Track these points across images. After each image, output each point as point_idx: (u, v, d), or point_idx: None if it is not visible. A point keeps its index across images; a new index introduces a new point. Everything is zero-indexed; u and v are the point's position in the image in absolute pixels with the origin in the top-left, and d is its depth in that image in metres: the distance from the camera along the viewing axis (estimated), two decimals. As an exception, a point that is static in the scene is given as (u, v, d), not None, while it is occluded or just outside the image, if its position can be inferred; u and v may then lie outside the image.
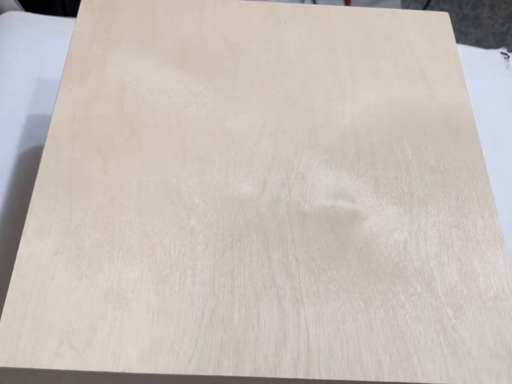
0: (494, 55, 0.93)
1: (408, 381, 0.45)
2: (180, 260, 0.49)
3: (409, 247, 0.52)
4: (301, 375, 0.45)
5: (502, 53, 0.93)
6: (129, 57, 0.62)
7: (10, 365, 0.44)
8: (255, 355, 0.45)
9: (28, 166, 0.75)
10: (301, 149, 0.57)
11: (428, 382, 0.45)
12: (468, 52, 0.92)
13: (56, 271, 0.48)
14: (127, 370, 0.44)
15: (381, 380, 0.45)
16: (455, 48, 0.66)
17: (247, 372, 0.45)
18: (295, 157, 0.56)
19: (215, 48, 0.64)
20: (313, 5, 0.69)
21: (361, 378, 0.45)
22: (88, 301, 0.47)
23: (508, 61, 0.92)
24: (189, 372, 0.44)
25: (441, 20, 0.69)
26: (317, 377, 0.45)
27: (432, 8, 1.65)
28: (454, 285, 0.50)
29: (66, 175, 0.53)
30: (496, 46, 1.02)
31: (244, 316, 0.47)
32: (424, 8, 1.65)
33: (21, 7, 0.97)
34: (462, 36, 1.61)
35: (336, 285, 0.49)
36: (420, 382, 0.45)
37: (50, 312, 0.46)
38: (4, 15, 0.90)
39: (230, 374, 0.45)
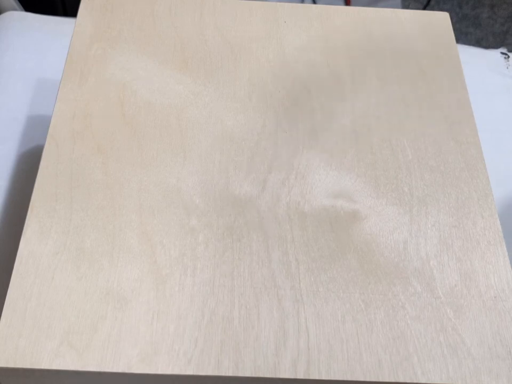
0: (494, 55, 0.93)
1: (408, 381, 0.45)
2: (179, 260, 0.49)
3: (409, 247, 0.52)
4: (301, 375, 0.45)
5: (502, 53, 0.93)
6: (129, 57, 0.62)
7: (10, 365, 0.44)
8: (255, 355, 0.45)
9: (28, 166, 0.75)
10: (301, 149, 0.57)
11: (427, 382, 0.45)
12: (468, 52, 0.92)
13: (56, 271, 0.48)
14: (127, 370, 0.44)
15: (381, 380, 0.45)
16: (455, 48, 0.66)
17: (247, 372, 0.45)
18: (295, 157, 0.56)
19: (215, 48, 0.64)
20: (313, 5, 0.69)
21: (361, 378, 0.45)
22: (88, 301, 0.47)
23: (508, 61, 0.92)
24: (189, 372, 0.44)
25: (441, 20, 0.69)
26: (317, 377, 0.45)
27: (432, 8, 1.65)
28: (454, 285, 0.50)
29: (66, 175, 0.53)
30: (496, 46, 1.02)
31: (244, 315, 0.47)
32: (424, 8, 1.65)
33: (21, 7, 0.96)
34: (462, 36, 1.61)
35: (336, 285, 0.49)
36: (419, 382, 0.45)
37: (50, 312, 0.46)
38: (3, 15, 0.90)
39: (230, 374, 0.45)
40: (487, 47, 1.09)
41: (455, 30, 0.74)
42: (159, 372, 0.44)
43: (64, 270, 0.48)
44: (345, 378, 0.45)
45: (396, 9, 0.69)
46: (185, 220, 0.51)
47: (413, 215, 0.53)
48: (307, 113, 0.59)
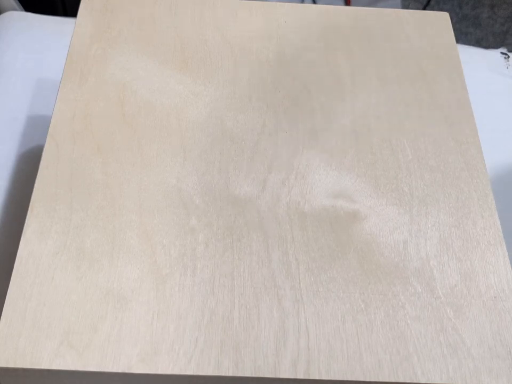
0: (494, 55, 0.93)
1: (408, 381, 0.45)
2: (179, 259, 0.49)
3: (409, 247, 0.52)
4: (301, 375, 0.45)
5: (502, 53, 0.93)
6: (129, 57, 0.62)
7: (10, 365, 0.44)
8: (255, 355, 0.45)
9: (28, 166, 0.75)
10: (301, 149, 0.57)
11: (427, 382, 0.45)
12: (468, 51, 0.92)
13: (56, 271, 0.48)
14: (127, 370, 0.44)
15: (381, 380, 0.45)
16: (455, 48, 0.66)
17: (247, 372, 0.45)
18: (295, 157, 0.56)
19: (215, 48, 0.64)
20: (313, 5, 0.69)
21: (361, 378, 0.45)
22: (88, 301, 0.47)
23: (508, 61, 0.92)
24: (189, 372, 0.44)
25: (441, 20, 0.69)
26: (317, 377, 0.45)
27: (432, 8, 1.65)
28: (454, 285, 0.50)
29: (66, 175, 0.53)
30: (496, 46, 1.02)
31: (244, 315, 0.47)
32: (424, 8, 1.65)
33: (21, 7, 0.96)
34: (462, 36, 1.61)
35: (336, 285, 0.49)
36: (419, 382, 0.45)
37: (50, 312, 0.46)
38: (3, 15, 0.90)
39: (230, 374, 0.45)
40: (487, 47, 1.09)
41: (455, 30, 0.74)
42: (159, 372, 0.44)
43: (64, 270, 0.48)
44: (345, 378, 0.45)
45: (396, 9, 0.69)
46: (185, 220, 0.51)
47: (413, 215, 0.53)
48: (307, 113, 0.59)
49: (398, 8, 1.51)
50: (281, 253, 0.50)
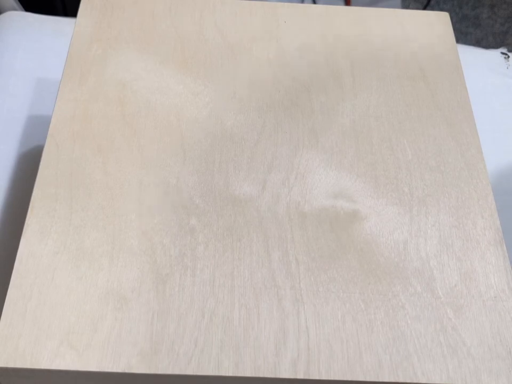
0: (494, 55, 0.93)
1: (408, 381, 0.45)
2: (179, 259, 0.49)
3: (409, 247, 0.52)
4: (301, 375, 0.45)
5: (502, 53, 0.93)
6: (129, 57, 0.62)
7: (10, 365, 0.44)
8: (255, 355, 0.45)
9: (28, 166, 0.75)
10: (301, 149, 0.57)
11: (427, 382, 0.45)
12: (468, 51, 0.92)
13: (56, 271, 0.48)
14: (127, 370, 0.44)
15: (381, 380, 0.45)
16: (455, 48, 0.66)
17: (247, 372, 0.45)
18: (295, 157, 0.56)
19: (215, 48, 0.64)
20: (313, 5, 0.69)
21: (361, 378, 0.45)
22: (88, 301, 0.47)
23: (508, 61, 0.92)
24: (189, 372, 0.44)
25: (441, 20, 0.69)
26: (317, 377, 0.45)
27: (432, 8, 1.65)
28: (454, 285, 0.50)
29: (66, 175, 0.53)
30: (496, 46, 1.02)
31: (243, 316, 0.47)
32: (424, 8, 1.65)
33: (21, 7, 0.96)
34: (462, 36, 1.61)
35: (336, 285, 0.49)
36: (419, 382, 0.45)
37: (50, 312, 0.46)
38: (3, 15, 0.90)
39: (230, 374, 0.45)
40: (487, 47, 1.09)
41: (455, 30, 0.74)
42: (159, 371, 0.44)
43: (64, 270, 0.48)
44: (345, 378, 0.45)
45: (395, 9, 0.69)
46: (185, 220, 0.51)
47: (413, 215, 0.53)
48: (307, 113, 0.59)
49: (398, 8, 1.51)
50: (281, 253, 0.50)
